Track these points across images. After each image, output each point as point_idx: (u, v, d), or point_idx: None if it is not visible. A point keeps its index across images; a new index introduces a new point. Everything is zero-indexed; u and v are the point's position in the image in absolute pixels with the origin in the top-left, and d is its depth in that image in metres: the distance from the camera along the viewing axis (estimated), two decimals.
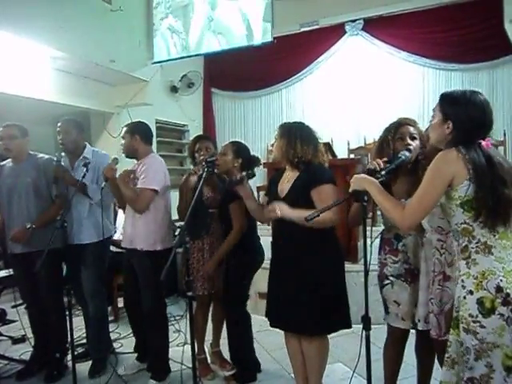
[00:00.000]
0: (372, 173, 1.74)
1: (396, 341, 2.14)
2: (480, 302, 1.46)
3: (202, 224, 2.76)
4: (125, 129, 2.87)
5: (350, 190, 1.68)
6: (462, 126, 1.56)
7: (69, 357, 2.86)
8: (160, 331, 2.81)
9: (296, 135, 2.20)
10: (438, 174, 1.53)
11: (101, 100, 5.37)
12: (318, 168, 2.20)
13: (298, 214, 1.98)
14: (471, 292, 1.49)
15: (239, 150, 2.76)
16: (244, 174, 2.33)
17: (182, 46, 5.25)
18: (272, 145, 2.32)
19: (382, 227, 2.14)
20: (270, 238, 2.39)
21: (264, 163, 4.44)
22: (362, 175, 1.71)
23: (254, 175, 2.37)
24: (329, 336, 2.27)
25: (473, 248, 1.52)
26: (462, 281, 1.53)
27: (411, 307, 2.01)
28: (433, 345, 2.14)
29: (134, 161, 2.89)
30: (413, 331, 2.12)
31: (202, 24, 5.11)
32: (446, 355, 1.58)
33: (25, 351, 3.24)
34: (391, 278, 2.04)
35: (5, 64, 4.09)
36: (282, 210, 2.05)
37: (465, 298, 1.50)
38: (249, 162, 2.79)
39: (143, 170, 2.72)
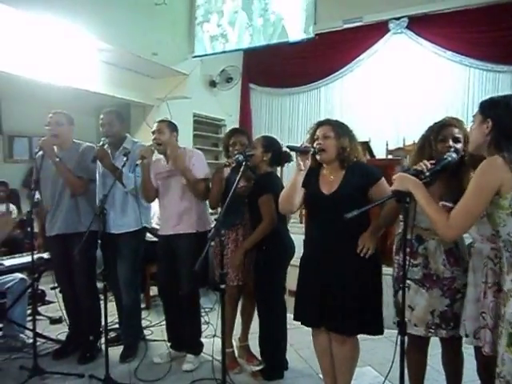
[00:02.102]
0: (418, 174, 1.68)
1: (415, 347, 2.06)
2: None
3: (236, 213, 2.77)
4: (164, 124, 2.92)
5: (393, 189, 1.64)
6: (501, 123, 1.51)
7: (102, 340, 2.94)
8: (197, 312, 3.00)
9: (351, 134, 2.17)
10: (484, 182, 1.48)
11: (141, 92, 5.49)
12: (367, 165, 2.19)
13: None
14: None
15: (269, 144, 2.74)
16: (309, 144, 2.17)
17: (223, 43, 5.28)
18: (319, 143, 2.13)
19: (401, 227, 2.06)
20: (303, 236, 2.37)
21: None
22: (408, 175, 1.65)
23: (320, 150, 2.14)
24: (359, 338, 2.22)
25: None
26: None
27: (426, 314, 1.94)
28: (459, 355, 2.07)
29: None
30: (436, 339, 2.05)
31: (243, 19, 5.12)
32: (499, 372, 1.48)
33: (61, 332, 3.37)
34: (408, 282, 1.95)
35: (55, 55, 4.25)
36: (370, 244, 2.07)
37: None
38: (279, 157, 2.77)
39: (195, 161, 2.87)
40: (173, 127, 2.95)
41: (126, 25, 4.41)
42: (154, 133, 2.91)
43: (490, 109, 1.57)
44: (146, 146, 2.89)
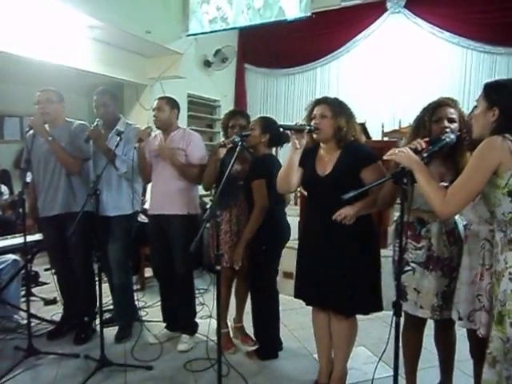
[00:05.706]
0: (413, 153, 1.65)
1: (414, 328, 2.08)
2: None
3: (230, 195, 2.73)
4: (164, 101, 2.88)
5: (400, 163, 1.60)
6: (509, 111, 1.47)
7: (97, 321, 2.95)
8: (192, 292, 3.00)
9: (349, 113, 2.12)
10: (482, 161, 1.46)
11: (135, 71, 5.37)
12: (362, 146, 2.14)
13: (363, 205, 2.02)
14: None
15: (267, 125, 2.70)
16: (305, 123, 2.13)
17: (219, 21, 5.15)
18: (316, 122, 2.10)
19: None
20: (297, 218, 2.36)
21: None
22: (412, 153, 1.62)
23: (315, 129, 2.11)
24: None
25: None
26: (510, 273, 1.45)
27: (432, 296, 1.95)
28: (452, 334, 2.10)
29: None
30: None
31: (242, 2, 4.97)
32: (487, 351, 1.51)
33: (56, 312, 3.37)
34: (413, 265, 1.97)
35: (44, 32, 4.12)
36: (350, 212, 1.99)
37: None
38: (277, 138, 2.73)
39: (193, 146, 2.84)
40: (173, 104, 2.91)
41: (118, 1, 4.27)
42: (154, 110, 2.87)
43: (497, 95, 1.51)
44: (143, 129, 2.85)
